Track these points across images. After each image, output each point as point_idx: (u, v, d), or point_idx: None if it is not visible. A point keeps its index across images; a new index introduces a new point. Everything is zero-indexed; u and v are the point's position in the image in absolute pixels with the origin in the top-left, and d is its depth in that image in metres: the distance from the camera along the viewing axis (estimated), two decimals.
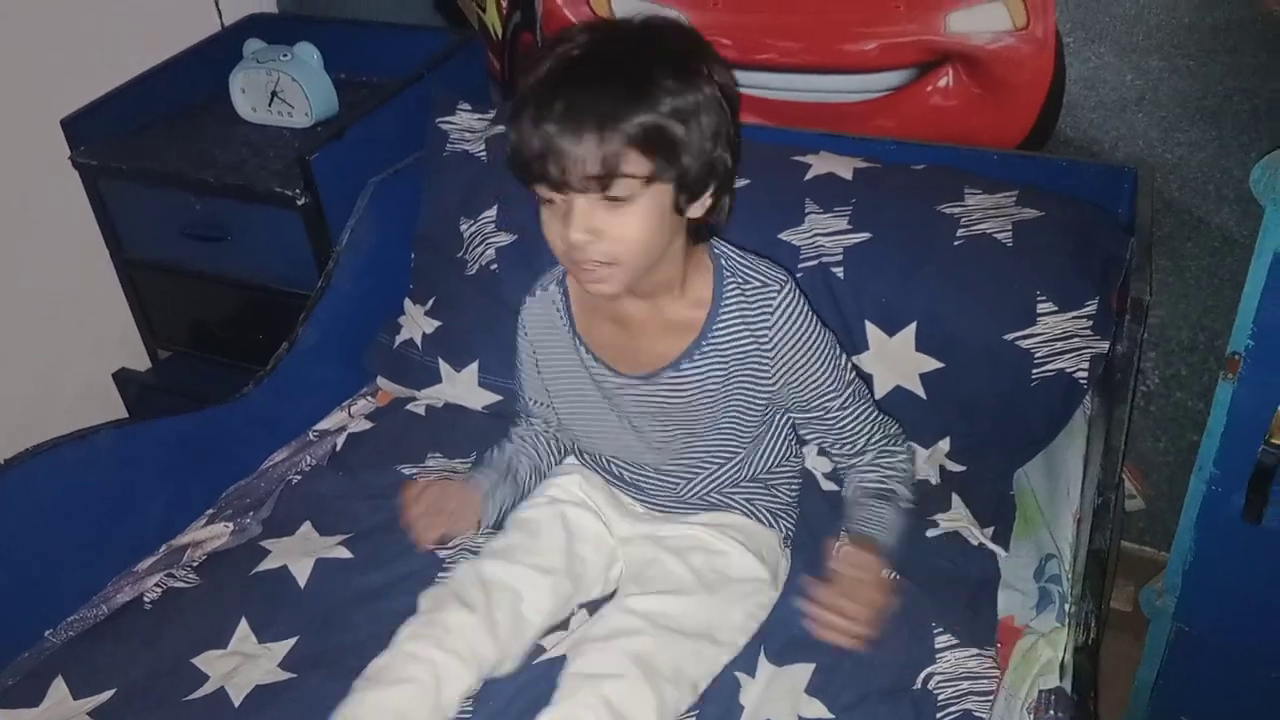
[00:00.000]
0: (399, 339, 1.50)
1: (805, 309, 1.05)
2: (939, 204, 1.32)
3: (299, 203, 1.52)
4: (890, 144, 1.47)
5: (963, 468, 1.27)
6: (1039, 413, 1.28)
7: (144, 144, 1.68)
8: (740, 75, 1.59)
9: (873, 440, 1.13)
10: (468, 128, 1.57)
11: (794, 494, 1.20)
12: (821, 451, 1.25)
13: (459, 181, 1.54)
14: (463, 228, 1.51)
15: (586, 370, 1.10)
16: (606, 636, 1.01)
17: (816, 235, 1.33)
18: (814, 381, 1.07)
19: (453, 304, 1.48)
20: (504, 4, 1.74)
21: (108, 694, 1.05)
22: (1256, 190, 0.96)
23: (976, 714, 0.97)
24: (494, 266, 1.46)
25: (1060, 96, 1.47)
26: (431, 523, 1.14)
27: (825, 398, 1.08)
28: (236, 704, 1.00)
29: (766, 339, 1.03)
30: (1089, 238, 1.29)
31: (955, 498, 1.21)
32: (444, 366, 1.44)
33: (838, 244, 1.32)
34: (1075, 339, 1.24)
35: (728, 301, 1.04)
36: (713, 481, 1.14)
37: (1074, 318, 1.24)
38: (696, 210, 0.97)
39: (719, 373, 1.05)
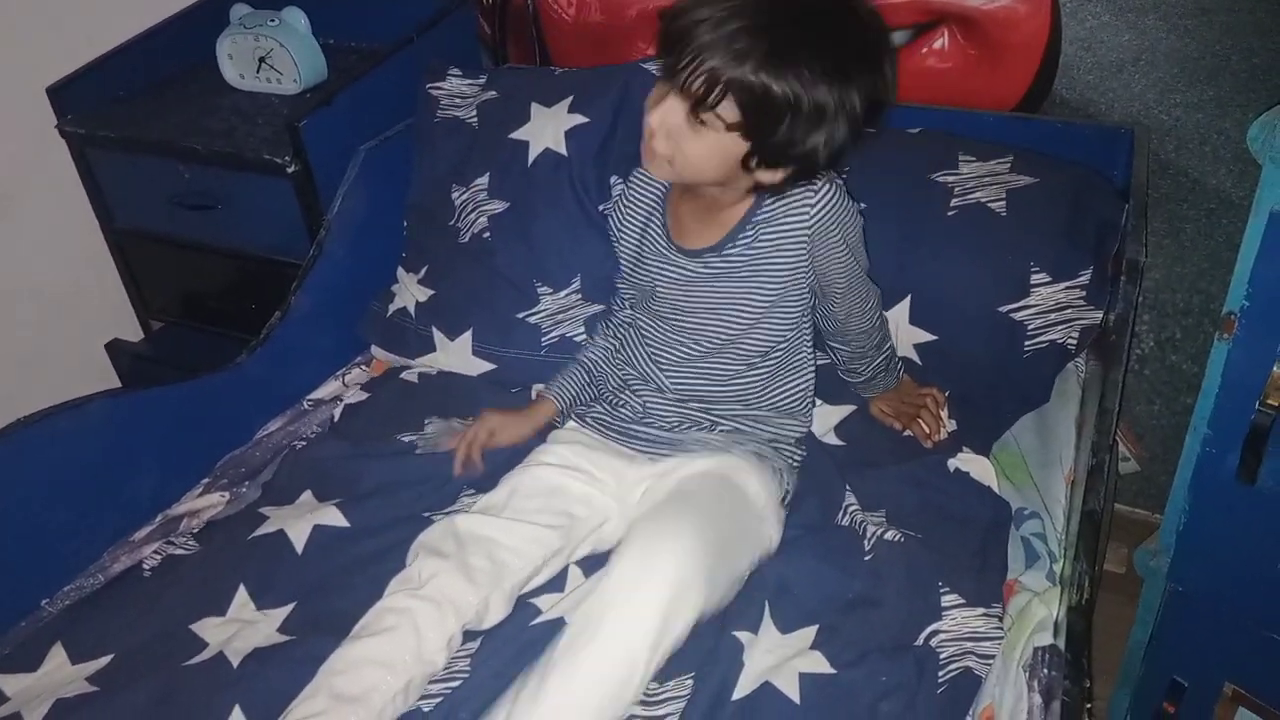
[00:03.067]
0: (392, 307, 1.49)
1: (845, 201, 1.09)
2: (933, 173, 1.31)
3: (289, 170, 1.51)
4: None
5: (954, 425, 1.27)
6: (1032, 382, 1.28)
7: (131, 112, 1.66)
8: None
9: (865, 312, 1.19)
10: (458, 93, 1.55)
11: (798, 458, 1.20)
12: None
13: (450, 148, 1.52)
14: (454, 195, 1.49)
15: (660, 244, 1.16)
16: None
17: None
18: (846, 269, 1.13)
19: (446, 272, 1.47)
20: None
21: (106, 659, 1.05)
22: (1254, 148, 0.96)
23: (976, 672, 0.98)
24: (486, 235, 1.45)
25: (1056, 58, 1.46)
26: (474, 446, 1.23)
27: (851, 291, 1.15)
28: (235, 666, 1.01)
29: (809, 220, 1.08)
30: (1083, 204, 1.28)
31: (964, 446, 1.22)
32: (438, 335, 1.44)
33: None
34: (1069, 309, 1.24)
35: (771, 202, 1.09)
36: (737, 390, 1.16)
37: (1068, 288, 1.24)
38: (765, 176, 1.02)
39: (762, 251, 1.10)
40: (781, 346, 1.17)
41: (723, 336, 1.15)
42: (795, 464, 1.20)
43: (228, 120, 1.63)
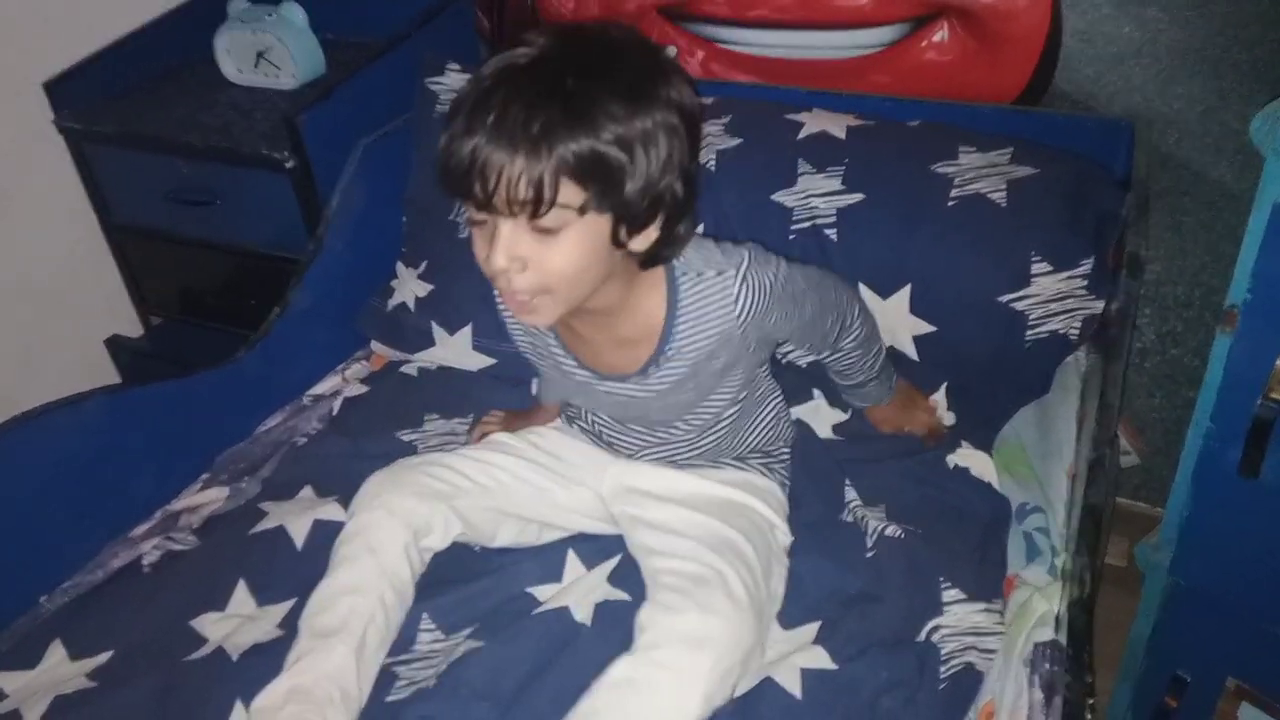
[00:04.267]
0: (391, 302, 1.49)
1: (766, 283, 0.97)
2: (933, 163, 1.31)
3: (287, 165, 1.50)
4: (885, 100, 1.45)
5: (953, 419, 1.27)
6: (1032, 373, 1.28)
7: (129, 107, 1.66)
8: (733, 33, 1.58)
9: (845, 330, 1.12)
10: (457, 88, 1.55)
11: (786, 455, 1.20)
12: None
13: None
14: None
15: (562, 363, 1.07)
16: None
17: (810, 196, 1.32)
18: (798, 328, 1.05)
19: (445, 268, 1.47)
20: None
21: (106, 655, 1.05)
22: (1257, 140, 0.95)
23: (978, 667, 0.97)
24: None
25: (1057, 50, 1.45)
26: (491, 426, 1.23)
27: (812, 333, 1.08)
28: (234, 660, 1.01)
29: (736, 325, 0.98)
30: (1084, 195, 1.28)
31: (964, 441, 1.22)
32: (437, 330, 1.43)
33: (831, 205, 1.31)
34: (1070, 299, 1.24)
35: (684, 311, 0.98)
36: (704, 447, 1.13)
37: (1069, 278, 1.24)
38: (640, 243, 0.89)
39: (689, 370, 1.01)
40: (742, 403, 1.10)
41: (669, 420, 1.08)
42: (786, 455, 1.18)
43: (226, 115, 1.62)
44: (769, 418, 1.15)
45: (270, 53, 1.66)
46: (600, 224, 0.85)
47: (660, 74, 0.86)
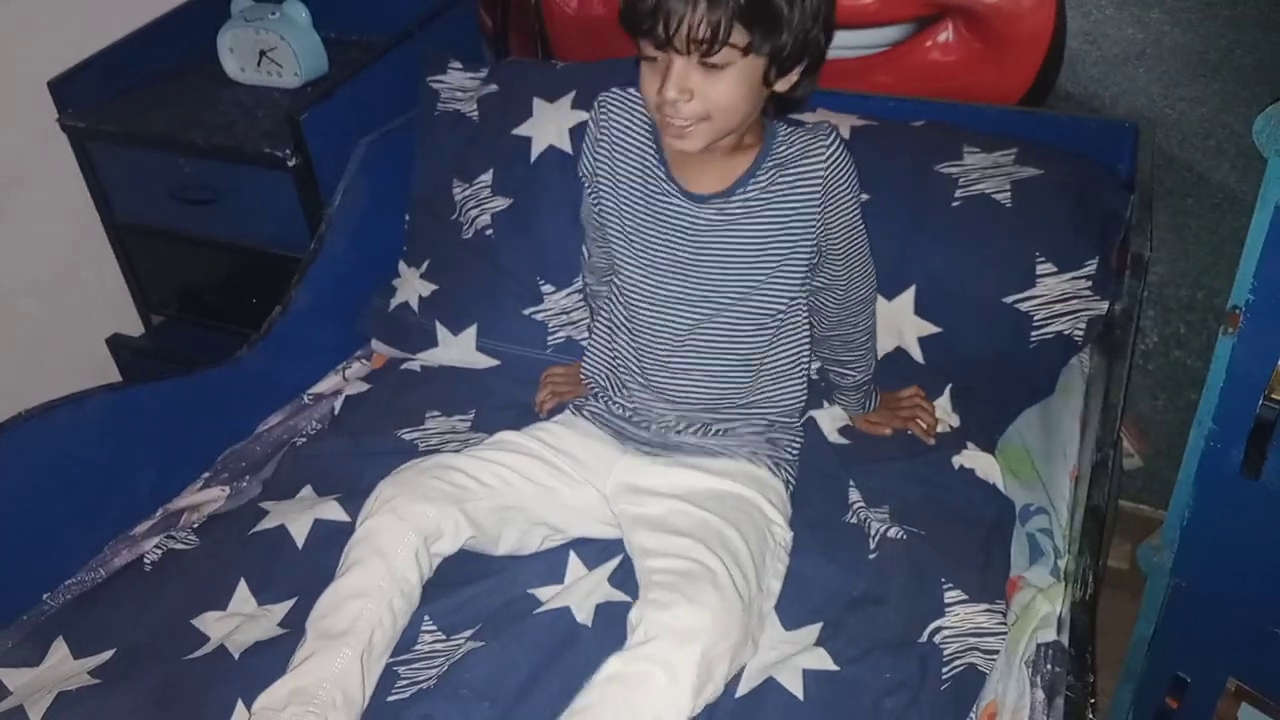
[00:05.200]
0: (394, 302, 1.49)
1: (849, 158, 1.09)
2: (938, 164, 1.31)
3: (289, 164, 1.50)
4: (889, 100, 1.45)
5: (958, 420, 1.27)
6: (1037, 373, 1.28)
7: (132, 106, 1.66)
8: None
9: (865, 277, 1.18)
10: (460, 86, 1.55)
11: (796, 446, 1.20)
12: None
13: (451, 142, 1.52)
14: (456, 191, 1.49)
15: (652, 186, 1.11)
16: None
17: None
18: (850, 233, 1.12)
19: (449, 267, 1.46)
20: None
21: (108, 653, 1.05)
22: (1259, 141, 0.95)
23: (980, 668, 0.97)
24: (489, 232, 1.45)
25: (1061, 51, 1.45)
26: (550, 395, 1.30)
27: (854, 243, 1.14)
28: (236, 658, 1.01)
29: (823, 175, 1.07)
30: (1088, 195, 1.28)
31: (969, 443, 1.22)
32: (441, 330, 1.43)
33: None
34: (1075, 300, 1.24)
35: (783, 138, 1.08)
36: (718, 402, 1.14)
37: (1073, 278, 1.24)
38: (783, 85, 1.01)
39: (766, 203, 1.08)
40: (778, 318, 1.13)
41: (722, 298, 1.11)
42: (795, 453, 1.18)
43: (228, 114, 1.62)
44: (795, 376, 1.17)
45: (273, 51, 1.66)
46: (757, 64, 0.97)
47: None
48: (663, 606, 0.93)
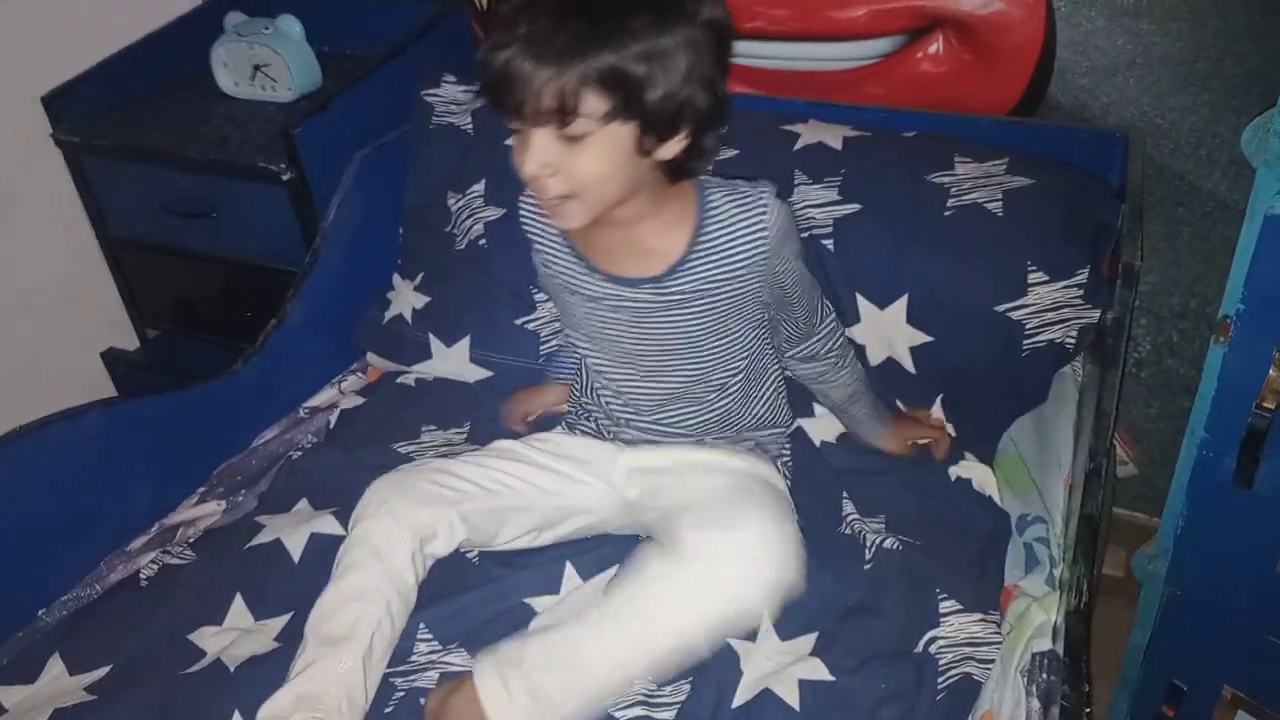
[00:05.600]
0: (388, 314, 1.49)
1: (789, 212, 1.04)
2: (929, 174, 1.31)
3: (284, 178, 1.51)
4: (880, 111, 1.46)
5: (951, 430, 1.27)
6: (1029, 382, 1.28)
7: (126, 120, 1.66)
8: None
9: (824, 321, 1.15)
10: (453, 100, 1.55)
11: (785, 454, 1.19)
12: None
13: (445, 155, 1.52)
14: (450, 202, 1.49)
15: (582, 276, 1.07)
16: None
17: (807, 207, 1.32)
18: (799, 281, 1.08)
19: (442, 279, 1.47)
20: None
21: (104, 669, 1.05)
22: (1247, 151, 0.96)
23: (976, 677, 0.97)
24: (482, 242, 1.45)
25: (1051, 62, 1.46)
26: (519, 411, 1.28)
27: (799, 290, 1.09)
28: (232, 671, 1.01)
29: (766, 241, 1.01)
30: (1080, 204, 1.28)
31: (966, 454, 1.22)
32: (434, 342, 1.43)
33: (828, 215, 1.31)
34: (1066, 309, 1.24)
35: (715, 213, 1.01)
36: (703, 426, 1.13)
37: (1065, 287, 1.24)
38: (666, 152, 0.93)
39: (706, 283, 1.03)
40: (747, 367, 1.11)
41: (685, 369, 1.09)
42: (785, 459, 1.19)
43: (222, 128, 1.63)
44: (770, 390, 1.16)
45: (267, 65, 1.66)
46: (624, 133, 0.89)
47: None
48: (702, 528, 0.95)
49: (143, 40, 1.73)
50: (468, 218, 1.47)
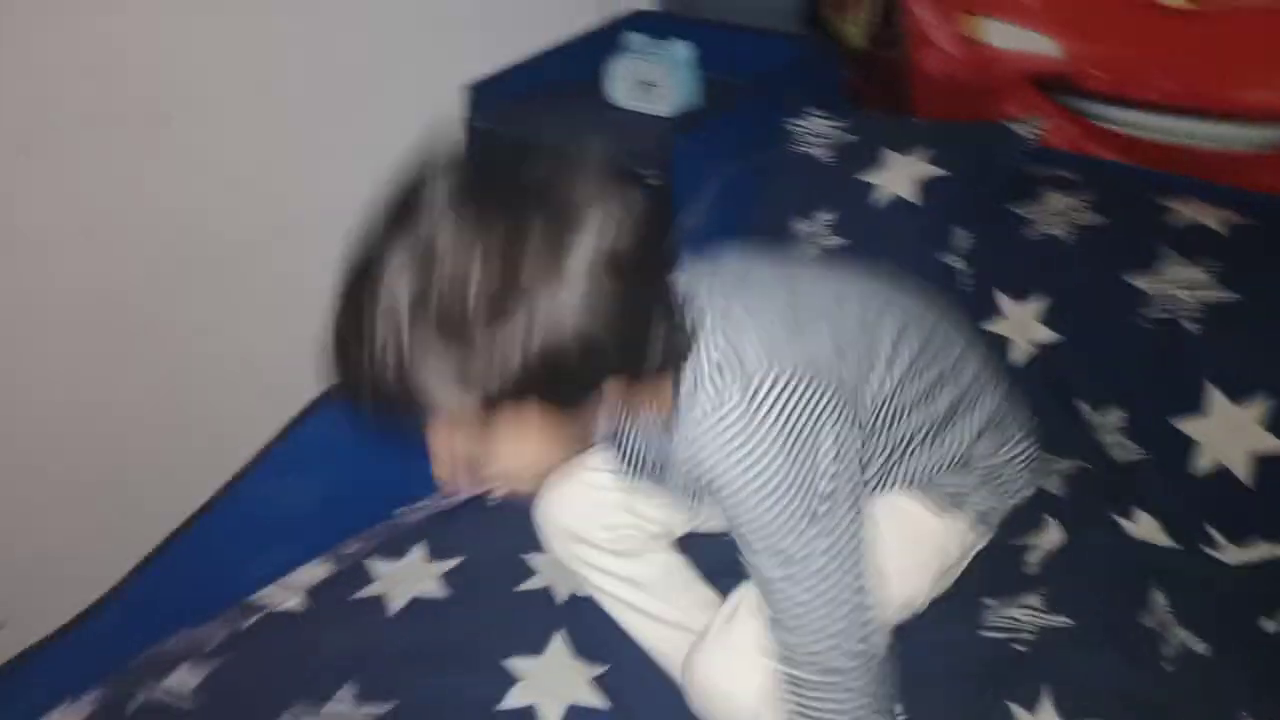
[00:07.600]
0: None
1: (759, 432, 0.78)
2: None
3: (653, 184, 1.64)
4: (1274, 200, 1.37)
5: None
6: None
7: (527, 115, 1.86)
8: (1111, 111, 1.55)
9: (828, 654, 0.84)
10: (817, 132, 1.63)
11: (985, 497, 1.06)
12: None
13: (798, 183, 1.60)
14: (795, 227, 1.56)
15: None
16: None
17: (1174, 286, 1.26)
18: (748, 526, 0.83)
19: None
20: (867, 17, 1.78)
21: (456, 560, 1.25)
22: None
23: None
24: None
25: None
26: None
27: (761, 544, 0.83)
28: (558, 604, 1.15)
29: (709, 468, 0.82)
30: None
31: None
32: None
33: (1196, 299, 1.25)
34: None
35: (687, 411, 0.83)
36: None
37: None
38: (606, 395, 0.75)
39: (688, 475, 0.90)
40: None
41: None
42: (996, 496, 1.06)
43: (607, 131, 1.79)
44: (908, 456, 0.97)
45: (657, 82, 1.81)
46: (530, 410, 0.72)
47: (561, 240, 0.69)
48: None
49: (554, 48, 1.93)
50: (810, 244, 1.54)
